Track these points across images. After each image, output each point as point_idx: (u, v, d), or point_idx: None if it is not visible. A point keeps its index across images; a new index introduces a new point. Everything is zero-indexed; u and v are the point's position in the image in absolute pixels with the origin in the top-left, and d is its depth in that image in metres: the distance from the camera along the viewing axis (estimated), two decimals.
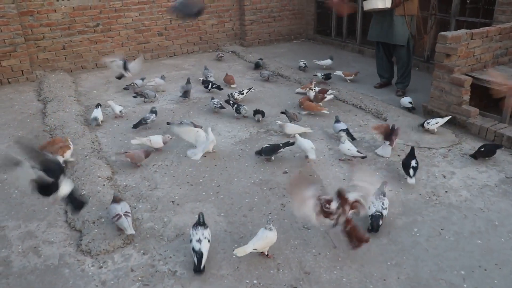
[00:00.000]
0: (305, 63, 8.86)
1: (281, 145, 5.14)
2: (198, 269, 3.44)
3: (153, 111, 6.25)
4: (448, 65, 5.90)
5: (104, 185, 4.66)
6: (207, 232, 3.57)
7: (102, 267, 3.57)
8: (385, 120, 6.17)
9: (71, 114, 6.55)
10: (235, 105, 6.40)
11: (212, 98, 6.82)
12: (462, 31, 5.94)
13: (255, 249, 3.48)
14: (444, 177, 4.77)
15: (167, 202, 4.45)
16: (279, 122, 5.90)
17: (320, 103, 6.65)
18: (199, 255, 3.44)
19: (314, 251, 3.71)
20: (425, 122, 5.74)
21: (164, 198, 4.53)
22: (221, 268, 3.54)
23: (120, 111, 6.55)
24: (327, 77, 7.91)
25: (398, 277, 3.40)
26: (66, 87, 7.76)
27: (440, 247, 3.72)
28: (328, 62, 8.76)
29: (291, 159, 5.23)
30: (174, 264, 3.59)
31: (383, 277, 3.41)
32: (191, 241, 3.50)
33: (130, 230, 3.82)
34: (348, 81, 8.03)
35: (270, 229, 3.50)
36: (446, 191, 4.51)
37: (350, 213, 3.49)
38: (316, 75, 7.98)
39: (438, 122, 5.68)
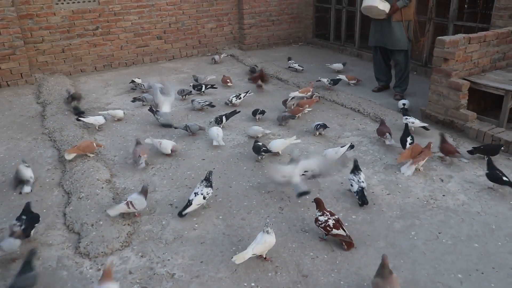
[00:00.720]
0: (299, 65, 8.94)
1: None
2: (179, 214, 4.19)
3: (153, 111, 6.39)
4: (446, 69, 5.93)
5: (102, 187, 4.67)
6: (206, 190, 4.20)
7: (101, 269, 3.57)
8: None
9: (70, 117, 6.56)
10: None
11: (193, 100, 6.99)
12: (459, 36, 5.98)
13: (254, 254, 3.48)
14: (442, 180, 4.79)
15: (166, 205, 4.46)
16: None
17: (299, 114, 6.53)
18: (189, 203, 4.15)
19: (311, 254, 3.71)
20: (404, 118, 5.88)
21: (162, 201, 4.53)
22: (219, 270, 3.54)
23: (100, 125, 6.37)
24: (335, 82, 7.76)
25: None
26: (65, 90, 7.76)
27: (438, 251, 3.73)
28: (340, 66, 8.74)
29: None
30: (172, 266, 3.60)
31: None
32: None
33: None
34: (352, 84, 8.07)
35: (268, 232, 3.51)
36: (443, 195, 4.52)
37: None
38: (320, 80, 7.90)
39: (414, 123, 5.80)
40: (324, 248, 3.78)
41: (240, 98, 7.04)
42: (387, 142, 5.51)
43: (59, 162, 5.35)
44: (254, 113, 6.48)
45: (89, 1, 9.02)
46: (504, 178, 4.46)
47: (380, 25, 7.14)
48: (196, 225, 4.12)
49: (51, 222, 4.22)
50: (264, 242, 3.50)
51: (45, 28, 8.69)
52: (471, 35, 6.01)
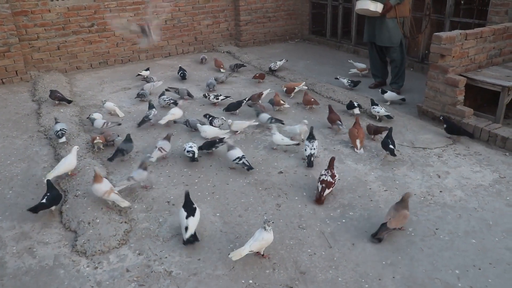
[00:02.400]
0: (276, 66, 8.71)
1: (217, 140, 5.36)
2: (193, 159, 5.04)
3: (151, 106, 6.31)
4: (442, 65, 5.93)
5: None
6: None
7: (98, 268, 3.56)
8: (380, 121, 6.18)
9: (66, 114, 6.53)
10: (210, 118, 6.13)
11: (162, 94, 7.04)
12: (456, 32, 5.97)
13: (251, 251, 3.48)
14: (439, 177, 4.80)
15: (163, 203, 4.45)
16: (229, 120, 5.97)
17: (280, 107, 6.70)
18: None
19: (309, 251, 3.71)
20: (372, 108, 6.27)
21: (159, 198, 4.52)
22: (217, 268, 3.54)
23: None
24: (355, 84, 7.64)
25: (393, 277, 3.41)
26: (61, 88, 7.71)
27: (435, 247, 3.73)
28: (362, 65, 8.45)
29: (286, 159, 5.24)
30: (170, 264, 3.59)
31: (378, 276, 3.42)
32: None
33: None
34: (361, 75, 8.25)
35: (265, 228, 3.50)
36: (440, 191, 4.53)
37: None
38: (338, 78, 7.77)
39: (379, 112, 6.18)
40: (322, 244, 3.78)
41: (217, 99, 6.93)
42: (340, 128, 5.86)
43: (55, 160, 5.32)
44: (229, 108, 6.63)
45: None
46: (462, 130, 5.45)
47: (374, 22, 7.17)
48: None
49: (47, 220, 4.19)
50: (261, 239, 3.50)
51: (40, 25, 8.63)
52: (467, 31, 6.01)
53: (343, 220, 4.10)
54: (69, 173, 4.81)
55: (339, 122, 5.86)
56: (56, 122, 5.71)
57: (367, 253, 3.67)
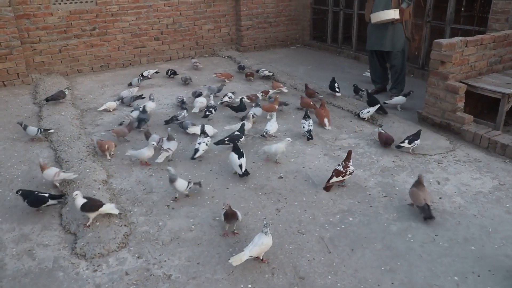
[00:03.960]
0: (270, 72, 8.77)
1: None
2: (192, 157, 5.30)
3: (184, 108, 6.57)
4: (443, 72, 5.95)
5: (99, 188, 4.65)
6: (207, 139, 5.36)
7: (97, 271, 3.57)
8: (380, 126, 6.19)
9: (67, 117, 6.55)
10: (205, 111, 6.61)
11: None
12: (456, 39, 5.99)
13: (251, 256, 3.48)
14: (439, 183, 4.80)
15: (162, 206, 4.45)
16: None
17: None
18: (195, 150, 5.29)
19: (308, 256, 3.71)
20: (360, 112, 6.57)
21: (159, 202, 4.53)
22: (216, 272, 3.54)
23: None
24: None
25: (392, 283, 3.41)
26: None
27: (434, 253, 3.73)
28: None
29: (287, 164, 5.25)
30: (169, 267, 3.59)
31: (377, 282, 3.42)
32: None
33: None
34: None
35: (266, 233, 3.51)
36: (440, 198, 4.54)
37: None
38: (358, 88, 7.60)
39: (369, 111, 6.48)
40: (321, 250, 3.78)
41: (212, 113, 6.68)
42: (321, 98, 6.70)
43: (56, 162, 5.33)
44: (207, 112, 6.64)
45: (87, 2, 9.00)
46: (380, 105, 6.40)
47: (378, 28, 7.15)
48: (193, 226, 4.11)
49: (47, 222, 4.20)
50: (261, 244, 3.51)
51: (42, 28, 8.66)
52: (468, 38, 6.03)
53: (343, 226, 4.10)
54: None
55: (317, 93, 7.09)
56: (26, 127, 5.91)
57: (366, 259, 3.67)
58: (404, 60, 7.30)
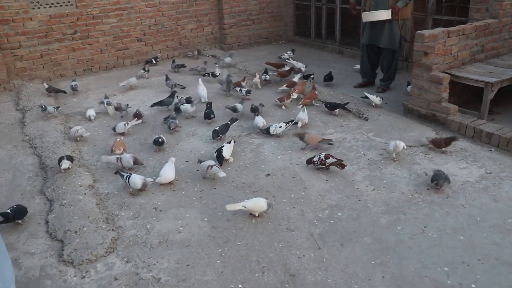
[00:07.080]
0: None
1: (228, 122, 5.96)
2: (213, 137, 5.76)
3: (190, 101, 6.76)
4: (426, 63, 5.96)
5: (85, 193, 4.59)
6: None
7: (85, 277, 3.52)
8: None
9: (51, 123, 6.46)
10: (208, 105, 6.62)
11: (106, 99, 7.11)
12: (439, 29, 6.02)
13: (244, 207, 4.00)
14: (426, 174, 4.81)
15: (150, 209, 4.41)
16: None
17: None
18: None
19: (298, 253, 3.70)
20: (270, 128, 5.84)
21: (146, 204, 4.48)
22: (206, 273, 3.51)
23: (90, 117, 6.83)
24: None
25: (383, 276, 3.41)
26: (45, 96, 7.65)
27: (424, 245, 3.74)
28: (378, 102, 8.32)
29: (274, 161, 5.23)
30: (158, 271, 3.56)
31: (368, 276, 3.42)
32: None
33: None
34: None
35: (267, 204, 4.05)
36: (428, 189, 4.55)
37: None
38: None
39: (281, 127, 5.81)
40: (311, 246, 3.77)
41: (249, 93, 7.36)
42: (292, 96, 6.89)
43: (40, 169, 5.26)
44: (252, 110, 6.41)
45: (67, 5, 8.88)
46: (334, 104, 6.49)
47: (374, 24, 7.13)
48: (181, 228, 4.08)
49: (33, 230, 4.14)
50: (256, 202, 4.04)
51: (22, 33, 8.53)
52: (450, 29, 6.06)
53: (332, 221, 4.09)
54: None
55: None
56: None
57: (356, 254, 3.67)
58: (396, 57, 7.29)
